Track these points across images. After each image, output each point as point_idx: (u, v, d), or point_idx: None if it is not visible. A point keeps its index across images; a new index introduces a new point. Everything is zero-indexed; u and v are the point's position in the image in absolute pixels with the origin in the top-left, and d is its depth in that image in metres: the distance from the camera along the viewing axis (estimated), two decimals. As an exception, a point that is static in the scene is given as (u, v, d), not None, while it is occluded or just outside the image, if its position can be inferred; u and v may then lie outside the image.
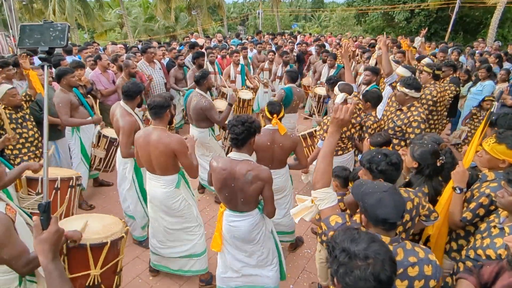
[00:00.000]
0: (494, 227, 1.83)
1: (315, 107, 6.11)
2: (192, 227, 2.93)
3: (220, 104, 5.01)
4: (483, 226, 1.95)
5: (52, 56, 1.25)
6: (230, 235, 2.49)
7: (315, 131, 4.25)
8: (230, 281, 2.68)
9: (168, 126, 2.85)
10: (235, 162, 2.28)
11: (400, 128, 3.33)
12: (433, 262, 1.44)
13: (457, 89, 4.94)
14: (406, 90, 3.26)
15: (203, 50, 8.16)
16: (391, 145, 3.42)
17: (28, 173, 2.68)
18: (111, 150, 4.04)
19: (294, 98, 4.57)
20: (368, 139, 2.99)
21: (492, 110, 2.32)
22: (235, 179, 2.26)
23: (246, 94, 5.85)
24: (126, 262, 3.31)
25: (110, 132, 4.09)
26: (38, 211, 2.71)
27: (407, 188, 1.96)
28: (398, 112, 3.41)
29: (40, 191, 2.78)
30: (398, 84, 3.41)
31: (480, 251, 1.81)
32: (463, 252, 2.00)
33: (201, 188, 4.68)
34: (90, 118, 4.10)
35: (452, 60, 5.86)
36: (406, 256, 1.42)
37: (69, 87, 3.93)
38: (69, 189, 2.96)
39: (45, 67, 1.24)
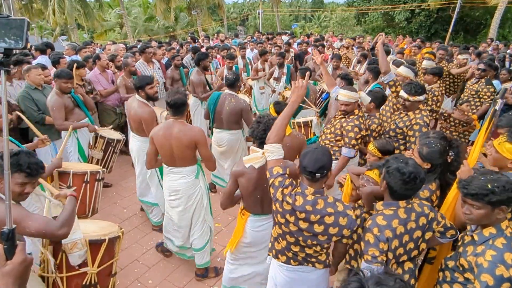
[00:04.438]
0: (466, 234, 1.78)
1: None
2: (198, 222, 3.02)
3: None
4: (460, 235, 1.89)
5: (10, 59, 1.05)
6: (255, 242, 2.44)
7: (311, 121, 4.34)
8: (237, 282, 2.65)
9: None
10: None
11: (401, 131, 3.22)
12: (350, 216, 1.80)
13: (495, 90, 4.71)
14: (410, 98, 3.12)
15: (202, 49, 8.15)
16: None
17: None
18: (109, 151, 3.96)
19: (310, 93, 4.74)
20: (375, 144, 2.89)
21: (496, 108, 2.26)
22: (267, 179, 2.21)
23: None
24: (124, 265, 3.26)
25: (107, 133, 4.03)
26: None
27: (424, 202, 1.91)
28: (402, 115, 3.30)
29: (71, 185, 2.88)
30: (401, 91, 3.24)
31: (457, 261, 1.75)
32: (442, 261, 1.93)
33: (213, 188, 4.65)
34: (86, 120, 4.02)
35: (491, 61, 5.37)
36: (325, 207, 1.77)
37: (61, 91, 3.79)
38: (96, 182, 3.03)
39: (2, 73, 1.01)
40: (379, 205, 1.88)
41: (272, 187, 1.87)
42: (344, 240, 1.89)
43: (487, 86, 4.71)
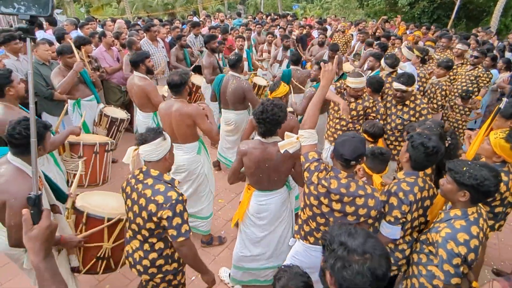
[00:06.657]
0: (441, 213, 1.95)
1: None
2: (204, 192, 3.21)
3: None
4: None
5: (34, 26, 1.06)
6: (259, 215, 2.59)
7: None
8: (247, 261, 2.75)
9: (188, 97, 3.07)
10: (265, 144, 2.36)
11: (408, 122, 3.25)
12: (377, 198, 1.89)
13: (492, 76, 5.00)
14: (409, 88, 3.20)
15: (205, 28, 8.06)
16: (395, 139, 3.49)
17: (69, 137, 2.98)
18: (113, 130, 4.04)
19: (292, 80, 4.71)
20: (365, 127, 3.03)
21: (500, 106, 2.38)
22: (268, 159, 2.34)
23: (261, 81, 5.57)
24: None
25: (112, 111, 4.09)
26: (79, 172, 2.65)
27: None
28: (399, 106, 3.37)
29: (82, 154, 3.03)
30: (395, 83, 3.29)
31: (426, 235, 1.93)
32: (417, 235, 2.10)
33: (218, 166, 4.78)
34: (91, 97, 4.14)
35: (484, 49, 5.59)
36: (357, 189, 1.87)
37: (66, 67, 3.88)
38: (106, 153, 3.18)
39: (28, 40, 1.04)
40: (400, 174, 2.08)
41: (308, 172, 1.95)
42: (369, 220, 1.94)
43: (487, 72, 4.94)
